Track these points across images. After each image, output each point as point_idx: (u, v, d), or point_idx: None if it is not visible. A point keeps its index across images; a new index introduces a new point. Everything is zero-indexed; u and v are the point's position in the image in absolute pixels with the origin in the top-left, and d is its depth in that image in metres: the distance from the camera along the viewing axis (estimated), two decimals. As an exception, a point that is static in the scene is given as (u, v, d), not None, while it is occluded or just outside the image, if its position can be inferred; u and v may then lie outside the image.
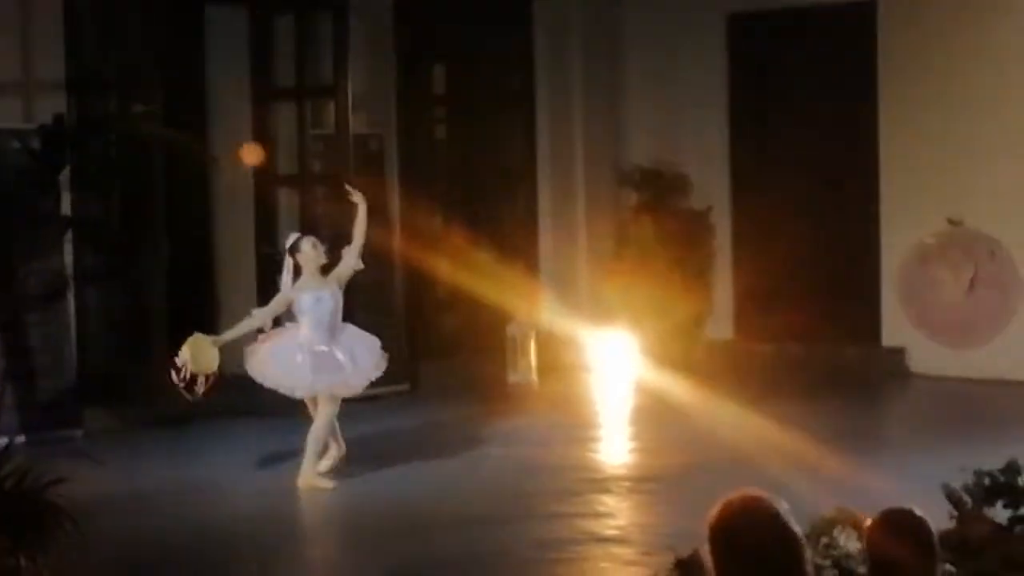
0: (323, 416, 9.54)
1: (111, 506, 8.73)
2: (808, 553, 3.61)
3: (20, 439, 9.48)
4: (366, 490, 9.46)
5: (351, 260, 9.79)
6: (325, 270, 9.77)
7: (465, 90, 15.18)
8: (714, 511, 3.63)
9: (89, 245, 11.92)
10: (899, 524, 4.25)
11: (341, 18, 12.88)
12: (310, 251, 9.72)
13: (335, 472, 9.66)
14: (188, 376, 9.33)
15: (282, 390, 9.61)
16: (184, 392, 9.33)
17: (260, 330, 9.91)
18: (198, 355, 9.43)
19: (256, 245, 13.36)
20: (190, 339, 9.51)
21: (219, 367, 9.49)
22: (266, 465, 10.26)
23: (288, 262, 9.79)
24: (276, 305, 9.85)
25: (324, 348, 9.58)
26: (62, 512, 6.41)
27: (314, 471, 9.51)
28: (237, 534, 8.54)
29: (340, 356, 9.60)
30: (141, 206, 12.04)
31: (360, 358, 9.70)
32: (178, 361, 9.36)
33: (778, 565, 3.53)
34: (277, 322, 10.12)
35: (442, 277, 14.05)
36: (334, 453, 9.73)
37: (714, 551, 3.59)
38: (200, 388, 9.33)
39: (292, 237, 9.95)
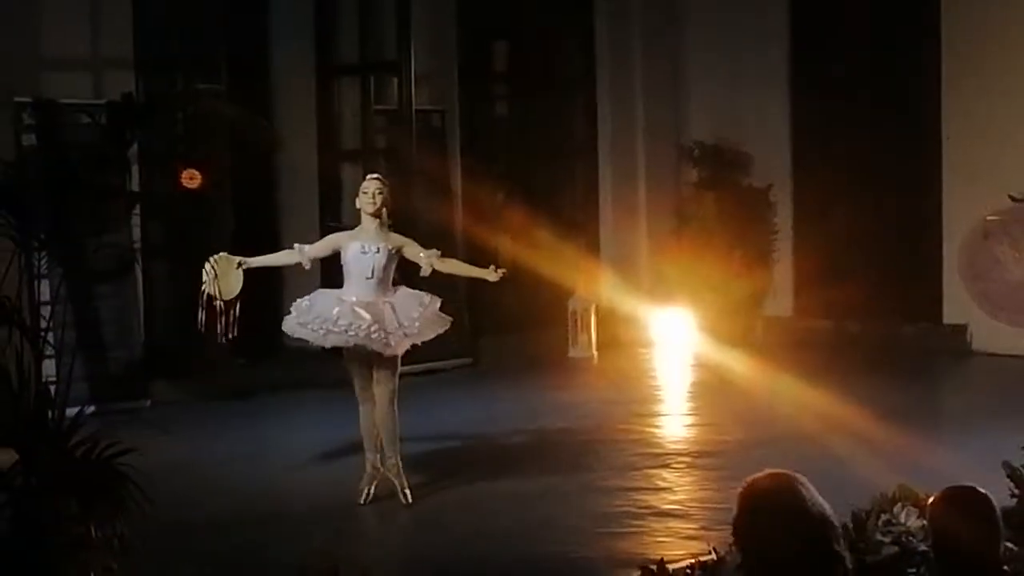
0: (381, 398, 8.53)
1: (176, 476, 8.85)
2: (838, 532, 3.54)
3: (89, 410, 9.60)
4: (425, 463, 9.53)
5: (426, 257, 8.65)
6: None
7: (527, 67, 15.22)
8: (739, 492, 3.61)
9: (156, 220, 12.10)
10: (962, 501, 4.26)
11: (404, -6, 12.96)
12: (367, 189, 8.61)
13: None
14: (208, 299, 8.49)
15: (314, 340, 8.55)
16: (211, 327, 8.49)
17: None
18: (221, 277, 8.56)
19: (320, 220, 13.48)
20: (214, 257, 8.69)
21: (240, 295, 8.56)
22: (326, 438, 10.35)
23: None
24: (321, 244, 8.90)
25: (367, 300, 8.48)
26: (130, 481, 6.51)
27: (399, 462, 8.59)
28: (297, 505, 8.62)
29: (384, 310, 8.46)
30: (207, 181, 12.19)
31: (408, 316, 8.50)
32: (203, 282, 8.53)
33: (801, 545, 3.48)
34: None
35: (503, 253, 14.10)
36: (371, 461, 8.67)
37: (736, 531, 3.57)
38: (228, 322, 8.38)
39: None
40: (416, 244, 8.75)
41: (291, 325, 8.66)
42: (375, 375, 8.55)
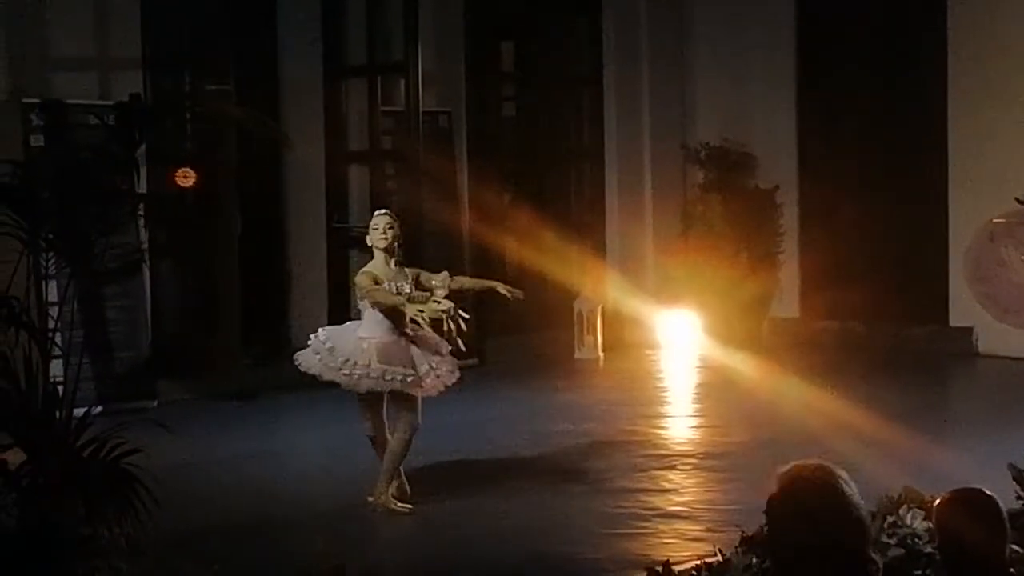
0: (404, 429, 8.35)
1: (183, 475, 8.87)
2: (872, 536, 3.54)
3: (97, 410, 9.63)
4: (432, 464, 9.54)
5: (443, 282, 8.44)
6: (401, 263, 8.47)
7: (533, 68, 15.25)
8: (780, 473, 3.61)
9: (163, 221, 12.13)
10: (969, 503, 4.26)
11: (411, -5, 12.98)
12: (378, 225, 8.39)
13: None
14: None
15: (345, 384, 8.32)
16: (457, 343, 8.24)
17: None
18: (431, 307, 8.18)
19: (327, 220, 13.50)
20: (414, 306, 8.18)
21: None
22: (333, 438, 10.37)
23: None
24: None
25: (388, 340, 8.29)
26: (137, 481, 6.53)
27: (389, 491, 8.40)
28: (303, 506, 8.64)
29: (413, 350, 8.31)
30: (214, 182, 12.22)
31: (432, 357, 8.36)
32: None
33: (835, 544, 3.48)
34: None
35: (510, 254, 14.14)
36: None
37: (770, 514, 3.57)
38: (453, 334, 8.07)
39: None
40: (424, 272, 8.55)
41: (309, 360, 8.45)
42: (399, 412, 8.36)
